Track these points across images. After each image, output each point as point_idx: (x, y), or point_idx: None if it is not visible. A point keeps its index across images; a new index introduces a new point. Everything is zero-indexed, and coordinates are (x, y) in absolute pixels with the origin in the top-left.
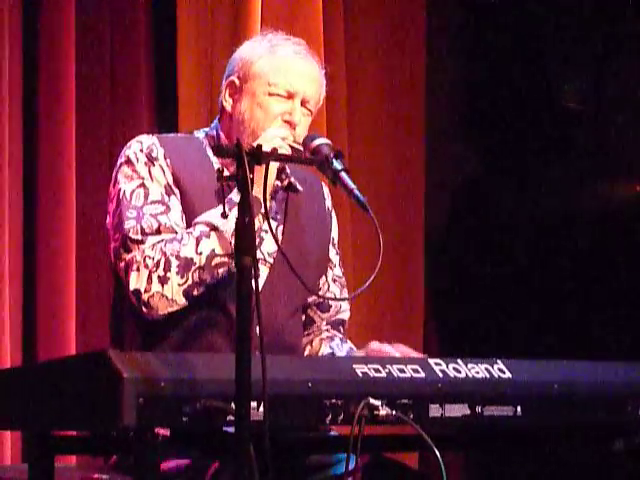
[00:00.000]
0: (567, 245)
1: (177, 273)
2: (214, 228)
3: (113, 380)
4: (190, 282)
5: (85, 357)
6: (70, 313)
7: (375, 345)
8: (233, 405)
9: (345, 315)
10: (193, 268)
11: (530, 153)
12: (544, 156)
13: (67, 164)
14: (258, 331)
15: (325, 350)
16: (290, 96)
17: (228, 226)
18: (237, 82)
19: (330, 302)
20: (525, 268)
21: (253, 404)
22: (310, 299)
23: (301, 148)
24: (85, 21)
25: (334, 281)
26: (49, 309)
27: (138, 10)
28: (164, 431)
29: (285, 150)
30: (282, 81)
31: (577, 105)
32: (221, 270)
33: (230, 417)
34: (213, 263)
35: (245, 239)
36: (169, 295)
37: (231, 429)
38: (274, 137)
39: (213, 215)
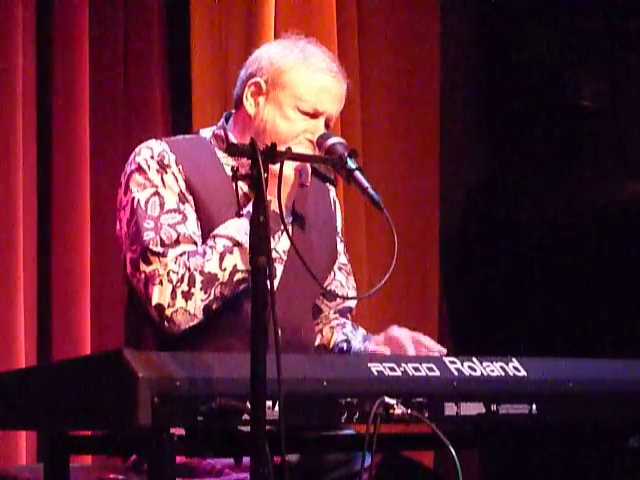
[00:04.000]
0: (583, 243)
1: (201, 289)
2: (237, 244)
3: (128, 379)
4: (212, 297)
5: (100, 357)
6: (85, 313)
7: (394, 331)
8: (248, 404)
9: (352, 303)
10: (216, 284)
11: (545, 152)
12: (560, 155)
13: (81, 166)
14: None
15: (339, 337)
16: (316, 114)
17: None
18: (263, 85)
19: (337, 290)
20: (540, 266)
21: (268, 403)
22: None
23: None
24: (99, 22)
25: (339, 269)
26: (64, 309)
27: (152, 10)
28: (179, 430)
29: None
30: (311, 99)
31: (594, 104)
32: (242, 286)
33: (245, 416)
34: (235, 279)
35: (260, 238)
36: (192, 311)
37: (246, 428)
38: None
39: (234, 228)
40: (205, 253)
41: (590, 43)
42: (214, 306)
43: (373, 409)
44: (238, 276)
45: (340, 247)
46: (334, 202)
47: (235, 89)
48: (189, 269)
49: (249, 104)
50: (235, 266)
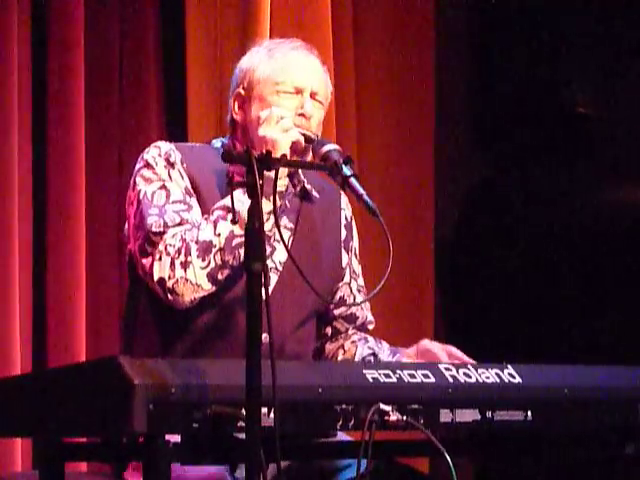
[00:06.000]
0: (578, 249)
1: (198, 257)
2: (230, 210)
3: (124, 386)
4: (213, 265)
5: (96, 363)
6: (80, 320)
7: (426, 344)
8: (244, 411)
9: (371, 326)
10: (214, 250)
11: (541, 158)
12: (555, 161)
13: (77, 171)
14: (264, 338)
15: (365, 351)
16: (298, 91)
17: (245, 207)
18: (243, 92)
19: (357, 314)
20: (536, 272)
21: (263, 410)
22: (337, 312)
23: (314, 137)
24: (94, 26)
25: (359, 291)
26: (59, 316)
27: (147, 15)
28: (175, 437)
29: (296, 134)
30: (287, 78)
31: (588, 110)
32: (242, 250)
33: (241, 423)
34: (233, 244)
35: (255, 245)
36: (193, 280)
37: (242, 435)
38: (282, 120)
39: (228, 199)
40: (200, 224)
41: (584, 49)
42: (219, 275)
43: (368, 416)
44: (237, 241)
45: (358, 269)
46: (349, 222)
47: (227, 115)
48: (185, 240)
49: (239, 116)
50: (232, 231)
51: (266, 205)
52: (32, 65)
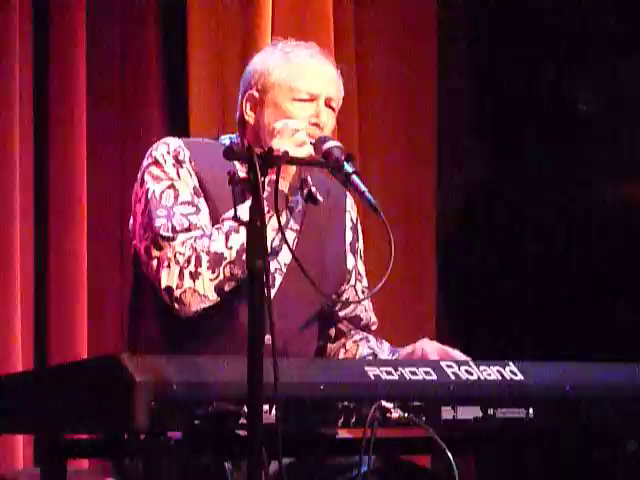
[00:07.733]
0: (580, 245)
1: (208, 268)
2: (243, 223)
3: (125, 383)
4: (222, 277)
5: (98, 360)
6: (82, 317)
7: (423, 343)
8: (245, 408)
9: (374, 327)
10: (224, 263)
11: (542, 155)
12: (557, 158)
13: (78, 170)
14: (267, 339)
15: (365, 351)
16: (313, 99)
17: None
18: (256, 95)
19: (361, 315)
20: (538, 270)
21: (265, 407)
22: (342, 313)
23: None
24: (96, 31)
25: (363, 292)
26: (61, 313)
27: (148, 18)
28: (176, 434)
29: (309, 149)
30: (303, 85)
31: (590, 107)
32: None
33: (242, 420)
34: (244, 257)
35: (257, 243)
36: (201, 291)
37: (243, 432)
38: (295, 131)
39: (241, 209)
40: (212, 234)
41: (586, 47)
42: (227, 287)
43: (370, 413)
44: None
45: (362, 271)
46: (355, 224)
47: (236, 114)
48: (195, 250)
49: (251, 118)
50: (243, 244)
51: (273, 221)
52: (34, 65)
